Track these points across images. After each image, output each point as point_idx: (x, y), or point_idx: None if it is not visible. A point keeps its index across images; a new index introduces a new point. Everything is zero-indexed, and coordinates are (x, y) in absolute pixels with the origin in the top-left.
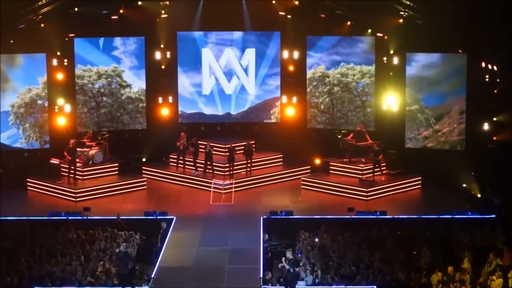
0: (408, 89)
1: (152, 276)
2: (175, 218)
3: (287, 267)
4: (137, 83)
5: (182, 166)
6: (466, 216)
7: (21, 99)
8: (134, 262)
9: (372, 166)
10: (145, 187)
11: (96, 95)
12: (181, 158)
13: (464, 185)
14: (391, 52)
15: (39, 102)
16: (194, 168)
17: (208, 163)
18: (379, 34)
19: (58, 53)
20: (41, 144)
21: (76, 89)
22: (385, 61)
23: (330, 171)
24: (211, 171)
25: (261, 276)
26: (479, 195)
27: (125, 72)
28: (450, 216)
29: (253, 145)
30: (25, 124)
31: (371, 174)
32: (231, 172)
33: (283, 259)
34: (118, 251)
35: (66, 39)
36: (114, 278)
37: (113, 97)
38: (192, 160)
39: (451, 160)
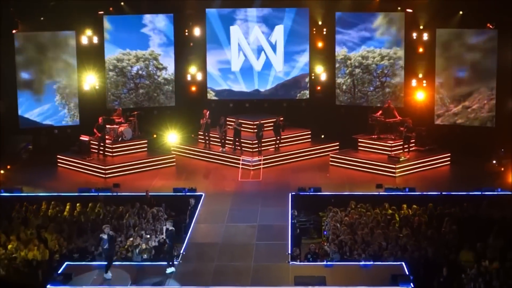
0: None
1: (181, 252)
2: (204, 194)
3: (163, 237)
4: (172, 66)
5: (207, 142)
6: (496, 193)
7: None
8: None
9: (402, 142)
10: (174, 163)
11: (135, 77)
12: (206, 135)
13: (494, 162)
14: (421, 27)
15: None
16: (220, 145)
17: (237, 139)
18: (408, 10)
19: (88, 31)
20: None
21: (116, 71)
22: (414, 37)
23: (359, 148)
24: (239, 148)
25: (289, 252)
26: (509, 172)
27: (161, 56)
28: (480, 193)
29: (282, 122)
30: (70, 104)
31: (403, 151)
32: (260, 149)
33: (164, 228)
34: (109, 234)
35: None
36: (144, 253)
37: (150, 78)
38: (218, 137)
39: (481, 137)
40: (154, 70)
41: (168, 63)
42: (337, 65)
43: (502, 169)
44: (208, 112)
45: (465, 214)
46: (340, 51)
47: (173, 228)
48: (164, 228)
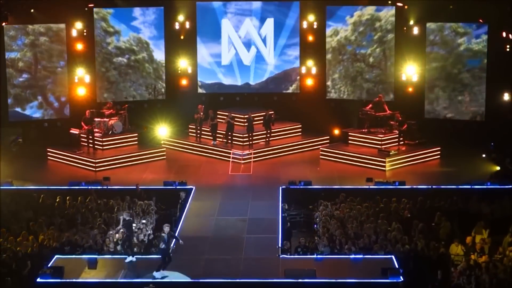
0: None
1: (172, 245)
2: (194, 188)
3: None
4: (128, 31)
5: (199, 136)
6: (485, 187)
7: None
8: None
9: (397, 136)
10: (164, 157)
11: None
12: (198, 129)
13: (484, 156)
14: (411, 22)
15: None
16: (212, 138)
17: (229, 133)
18: (399, 4)
19: (78, 24)
20: None
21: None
22: (405, 31)
23: (349, 142)
24: (230, 142)
25: (280, 245)
26: (498, 166)
27: (112, 14)
28: (470, 187)
29: (272, 115)
30: None
31: (399, 144)
32: (251, 142)
33: (121, 218)
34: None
35: (86, 9)
36: (133, 246)
37: (96, 47)
38: (209, 131)
39: (471, 131)
40: (103, 35)
41: (125, 26)
42: (360, 28)
43: (492, 163)
44: (203, 107)
45: (454, 208)
46: (365, 10)
47: (131, 218)
48: (121, 218)
